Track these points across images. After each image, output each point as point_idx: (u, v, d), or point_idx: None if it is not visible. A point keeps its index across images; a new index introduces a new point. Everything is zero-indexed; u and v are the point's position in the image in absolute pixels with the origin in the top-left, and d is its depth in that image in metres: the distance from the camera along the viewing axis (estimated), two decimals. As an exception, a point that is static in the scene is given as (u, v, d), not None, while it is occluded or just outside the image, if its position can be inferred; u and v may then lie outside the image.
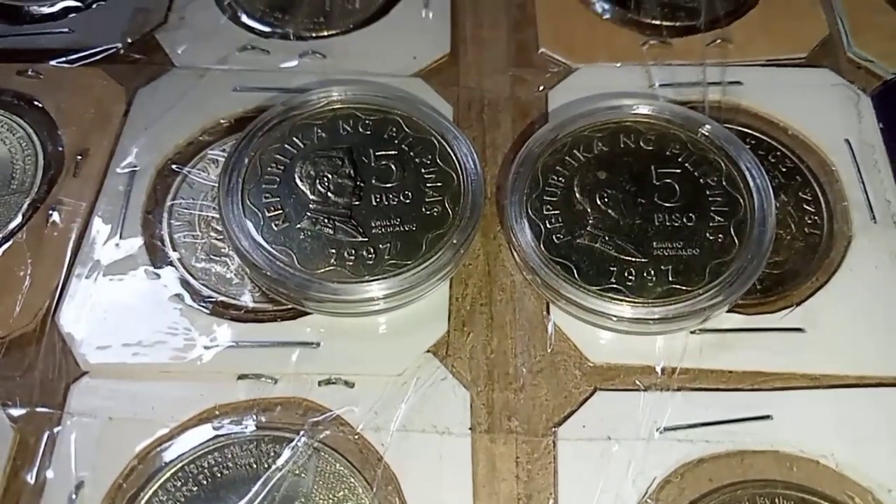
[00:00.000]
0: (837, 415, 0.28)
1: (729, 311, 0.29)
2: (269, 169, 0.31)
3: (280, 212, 0.30)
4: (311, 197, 0.30)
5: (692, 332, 0.29)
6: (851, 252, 0.31)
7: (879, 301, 0.30)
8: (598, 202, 0.31)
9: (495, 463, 0.27)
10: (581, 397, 0.28)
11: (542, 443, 0.27)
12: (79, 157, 0.33)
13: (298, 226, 0.29)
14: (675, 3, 0.39)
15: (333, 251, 0.29)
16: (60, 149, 0.34)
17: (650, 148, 0.32)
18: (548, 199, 0.31)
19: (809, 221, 0.32)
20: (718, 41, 0.37)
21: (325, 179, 0.31)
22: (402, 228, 0.30)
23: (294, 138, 0.32)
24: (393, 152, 0.31)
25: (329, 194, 0.30)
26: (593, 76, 0.36)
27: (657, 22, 0.38)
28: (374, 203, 0.30)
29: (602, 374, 0.29)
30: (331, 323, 0.29)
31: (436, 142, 0.32)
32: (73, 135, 0.34)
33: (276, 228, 0.29)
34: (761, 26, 0.38)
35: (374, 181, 0.31)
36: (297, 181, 0.31)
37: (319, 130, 0.32)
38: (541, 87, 0.36)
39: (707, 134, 0.32)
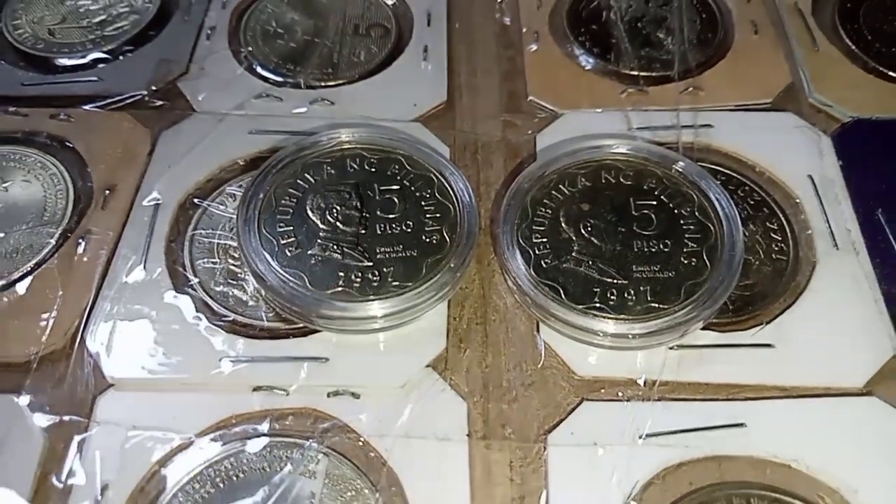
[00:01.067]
0: (806, 422, 0.30)
1: (704, 329, 0.31)
2: (282, 202, 0.33)
3: (293, 239, 0.32)
4: (322, 226, 0.33)
5: (671, 348, 0.31)
6: (816, 276, 0.33)
7: (842, 320, 0.32)
8: (583, 231, 0.33)
9: (491, 467, 0.29)
10: (569, 407, 0.30)
11: (533, 448, 0.29)
12: (107, 192, 0.36)
13: (310, 252, 0.32)
14: (651, 55, 0.42)
15: (342, 274, 0.31)
16: (90, 184, 0.36)
17: (629, 182, 0.34)
18: (536, 228, 0.33)
19: (776, 248, 0.34)
20: (691, 89, 0.40)
21: (335, 211, 0.33)
22: (404, 254, 0.32)
23: (306, 174, 0.34)
24: (396, 187, 0.34)
25: (338, 224, 0.33)
26: (577, 121, 0.39)
27: (635, 72, 0.41)
28: (378, 232, 0.33)
29: (588, 386, 0.31)
30: (339, 340, 0.31)
31: (434, 178, 0.34)
32: (102, 172, 0.36)
33: (289, 254, 0.32)
34: (730, 75, 0.41)
35: (378, 212, 0.33)
36: (309, 212, 0.33)
37: (329, 168, 0.35)
38: (529, 131, 0.39)
39: (681, 170, 0.34)
